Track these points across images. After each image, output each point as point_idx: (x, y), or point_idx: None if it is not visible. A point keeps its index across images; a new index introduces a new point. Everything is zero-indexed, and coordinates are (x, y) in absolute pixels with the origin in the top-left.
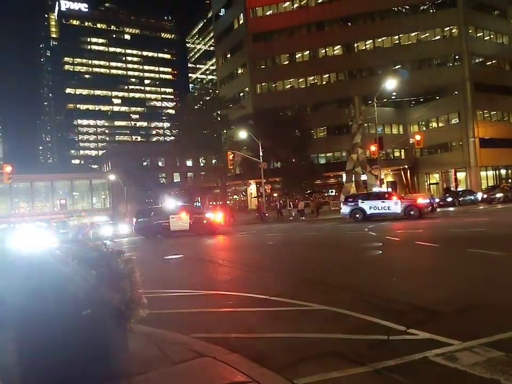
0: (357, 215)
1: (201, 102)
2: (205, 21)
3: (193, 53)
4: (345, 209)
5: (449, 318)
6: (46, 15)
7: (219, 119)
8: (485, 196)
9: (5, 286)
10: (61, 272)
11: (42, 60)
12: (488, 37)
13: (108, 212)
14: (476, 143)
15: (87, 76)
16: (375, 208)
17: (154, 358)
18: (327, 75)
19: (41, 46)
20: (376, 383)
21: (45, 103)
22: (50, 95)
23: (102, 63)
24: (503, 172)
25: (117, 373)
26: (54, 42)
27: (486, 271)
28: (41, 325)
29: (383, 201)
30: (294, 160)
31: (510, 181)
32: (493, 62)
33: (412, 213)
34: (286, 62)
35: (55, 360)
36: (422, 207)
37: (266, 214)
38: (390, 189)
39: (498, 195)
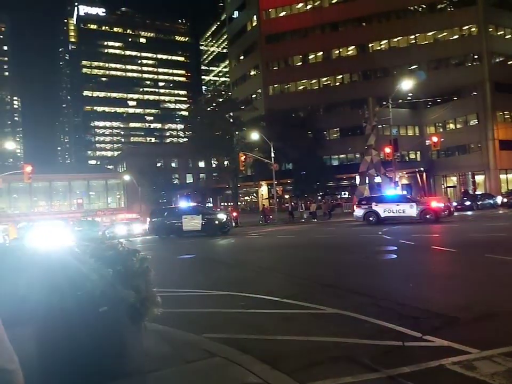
0: (371, 218)
1: (214, 104)
2: (218, 23)
3: (206, 55)
4: (358, 212)
5: (466, 325)
6: (65, 20)
7: (231, 120)
8: (505, 199)
9: (24, 283)
10: (79, 270)
11: (61, 63)
12: (509, 36)
13: (123, 211)
14: (495, 145)
15: (103, 79)
16: (389, 211)
17: (167, 356)
18: (341, 76)
19: (60, 50)
20: None
21: (63, 105)
22: (69, 97)
23: (118, 66)
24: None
25: (131, 370)
26: (72, 46)
27: (505, 278)
28: (58, 321)
29: (397, 204)
30: (306, 161)
31: None
32: None
33: (427, 216)
34: (299, 63)
35: (71, 355)
36: (438, 211)
37: (271, 216)
38: (405, 192)
39: None
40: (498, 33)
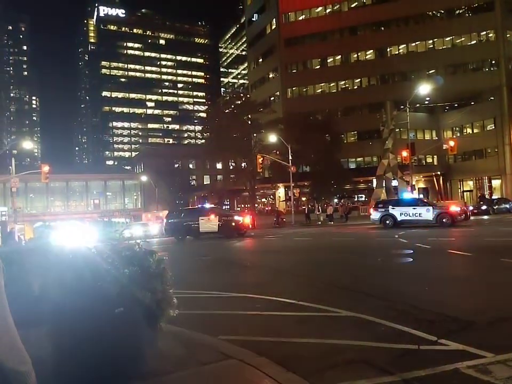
0: (387, 221)
1: (232, 106)
2: (237, 26)
3: (225, 58)
4: (375, 215)
5: (481, 329)
6: (85, 21)
7: (249, 122)
8: None
9: (39, 283)
10: (95, 271)
11: (80, 63)
12: None
13: (139, 212)
14: None
15: (122, 80)
16: (406, 214)
17: (183, 358)
18: (359, 79)
19: (80, 50)
20: None
21: (81, 106)
22: (87, 97)
23: (137, 67)
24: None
25: (146, 372)
26: (92, 47)
27: None
28: (75, 321)
29: (414, 208)
30: (323, 164)
31: None
32: None
33: (444, 220)
34: (318, 67)
35: (86, 357)
36: (454, 215)
37: (284, 219)
38: (421, 196)
39: None
40: None
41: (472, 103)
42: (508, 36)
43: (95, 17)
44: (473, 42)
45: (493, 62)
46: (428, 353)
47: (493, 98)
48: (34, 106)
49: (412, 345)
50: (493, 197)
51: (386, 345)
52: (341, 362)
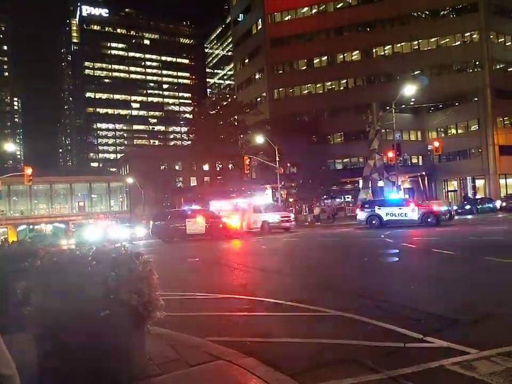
0: (373, 222)
1: (218, 107)
2: (223, 26)
3: (211, 58)
4: (361, 215)
5: (466, 326)
6: (68, 21)
7: (236, 124)
8: (504, 204)
9: (24, 287)
10: (80, 273)
11: (63, 64)
12: (510, 43)
13: (125, 214)
14: (495, 151)
15: (106, 80)
16: (391, 214)
17: (170, 360)
18: (345, 80)
19: (62, 50)
20: None
21: (65, 107)
22: (71, 98)
23: (121, 67)
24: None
25: (133, 375)
26: (75, 47)
27: (504, 280)
28: (59, 325)
29: (400, 208)
30: (310, 165)
31: None
32: None
33: (429, 220)
34: (304, 67)
35: (72, 360)
36: (439, 214)
37: None
38: (407, 196)
39: None
40: (499, 40)
41: (457, 104)
42: (491, 37)
43: (77, 17)
44: (457, 43)
45: (477, 63)
46: (413, 351)
47: (476, 99)
48: (16, 107)
49: (398, 343)
50: (477, 197)
51: (373, 343)
52: (329, 361)
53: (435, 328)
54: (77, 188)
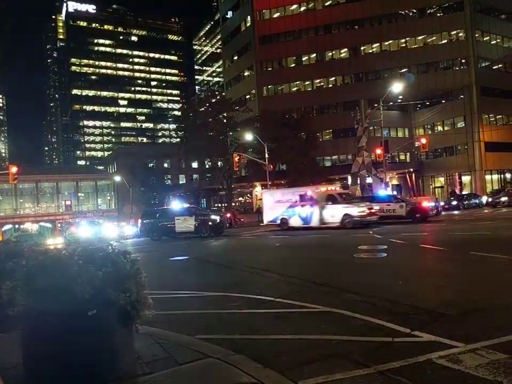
0: None
1: (207, 104)
2: (212, 23)
3: (200, 55)
4: None
5: (453, 320)
6: (54, 16)
7: (225, 121)
8: (490, 199)
9: (9, 287)
10: (67, 273)
11: (49, 61)
12: (495, 41)
13: (113, 213)
14: (481, 147)
15: (93, 77)
16: (380, 211)
17: (159, 358)
18: (334, 78)
19: (48, 47)
20: None
21: (51, 104)
22: (57, 96)
23: (108, 64)
24: (508, 175)
25: (122, 374)
26: (61, 44)
27: (490, 274)
28: (46, 325)
29: (388, 204)
30: (299, 162)
31: None
32: (499, 66)
33: (417, 215)
34: (293, 65)
35: (60, 360)
36: (426, 210)
37: (242, 220)
38: (395, 192)
39: (503, 199)
40: (485, 39)
41: (443, 101)
42: (477, 35)
43: (63, 12)
44: (444, 41)
45: (463, 61)
46: (402, 345)
47: (462, 96)
48: (0, 105)
49: (387, 337)
50: (463, 193)
51: (362, 338)
52: (318, 357)
53: (423, 322)
54: (64, 186)
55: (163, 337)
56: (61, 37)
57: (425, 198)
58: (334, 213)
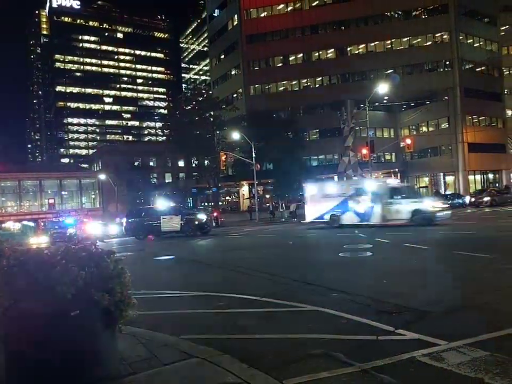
0: None
1: (194, 103)
2: (199, 21)
3: (186, 53)
4: None
5: (436, 318)
6: (37, 12)
7: (212, 119)
8: (473, 199)
9: None
10: (49, 273)
11: (32, 56)
12: (478, 44)
13: (98, 211)
14: (464, 148)
15: (78, 74)
16: None
17: (144, 359)
18: (320, 78)
19: (31, 42)
20: (364, 382)
21: (34, 101)
22: (40, 92)
23: (93, 61)
24: (490, 176)
25: (105, 375)
26: (44, 39)
27: (472, 273)
28: (28, 326)
29: None
30: (286, 162)
31: (497, 185)
32: (482, 68)
33: None
34: (280, 64)
35: (42, 361)
36: None
37: (222, 219)
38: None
39: (486, 199)
40: (468, 41)
41: (428, 102)
42: (461, 38)
43: (47, 8)
44: (428, 43)
45: (447, 62)
46: (385, 344)
47: (447, 98)
48: None
49: (371, 336)
50: (447, 192)
51: (347, 337)
52: (303, 356)
53: (407, 320)
54: (47, 184)
55: (147, 338)
56: (45, 32)
57: None
58: (400, 209)
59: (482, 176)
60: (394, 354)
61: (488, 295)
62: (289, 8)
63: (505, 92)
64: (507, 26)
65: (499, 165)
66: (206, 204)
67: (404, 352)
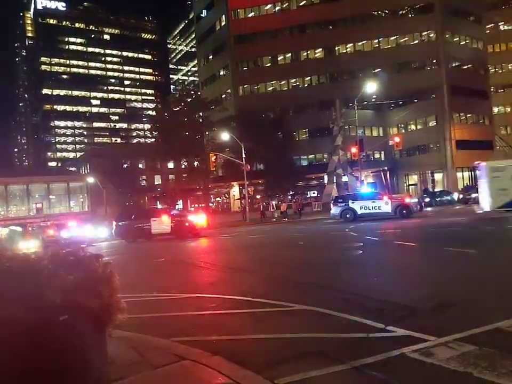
0: (348, 215)
1: (182, 104)
2: (186, 22)
3: (174, 54)
4: (335, 209)
5: (426, 314)
6: (22, 14)
7: (201, 120)
8: (461, 196)
9: None
10: (36, 277)
11: (17, 59)
12: (464, 42)
13: (86, 215)
14: (452, 145)
15: (64, 76)
16: (365, 208)
17: (134, 363)
18: (309, 78)
19: (16, 45)
20: (355, 380)
21: (20, 104)
22: (26, 95)
23: (80, 63)
24: (478, 173)
25: (95, 380)
26: (30, 42)
27: (461, 269)
28: (16, 331)
29: (373, 201)
30: (276, 162)
31: None
32: (469, 66)
33: (404, 212)
34: (268, 64)
35: (30, 368)
36: (411, 206)
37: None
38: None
39: (474, 195)
40: (454, 40)
41: (416, 101)
42: (447, 36)
43: (32, 9)
44: (415, 42)
45: (434, 61)
46: (376, 341)
47: (434, 96)
48: None
49: (362, 333)
50: (436, 190)
51: (338, 335)
52: (294, 355)
53: (396, 317)
54: (34, 188)
55: (137, 341)
56: (30, 34)
57: (405, 195)
58: None
59: (470, 173)
60: (384, 351)
61: (476, 290)
62: (277, 8)
63: (492, 90)
64: (492, 25)
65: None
66: (197, 205)
67: (394, 348)
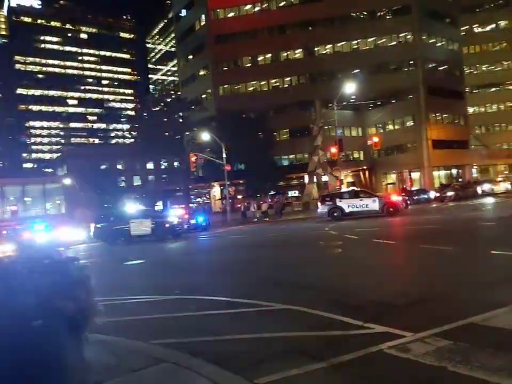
0: (335, 214)
1: (162, 103)
2: (165, 21)
3: (153, 54)
4: (322, 208)
5: (403, 311)
6: None
7: (181, 120)
8: (437, 194)
9: None
10: (8, 281)
11: None
12: (440, 43)
13: (64, 217)
14: (428, 145)
15: (40, 76)
16: (353, 206)
17: (112, 366)
18: (289, 78)
19: None
20: (334, 377)
21: None
22: (0, 95)
23: (56, 62)
24: (454, 171)
25: None
26: (3, 40)
27: (437, 266)
28: None
29: (361, 200)
30: (257, 162)
31: (460, 180)
32: (445, 67)
33: (391, 209)
34: (249, 65)
35: (3, 375)
36: (398, 204)
37: None
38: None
39: (450, 193)
40: (431, 41)
41: (393, 101)
42: (423, 38)
43: (5, 7)
44: (393, 43)
45: (411, 62)
46: (354, 338)
47: (411, 96)
48: None
49: (341, 331)
50: (413, 188)
51: (317, 333)
52: (275, 354)
53: (375, 314)
54: (9, 191)
55: (115, 345)
56: (3, 33)
57: (392, 193)
58: None
59: (446, 171)
60: (362, 348)
61: (452, 286)
62: (257, 9)
63: (467, 90)
64: (467, 27)
65: (462, 160)
66: (177, 206)
67: (371, 345)
